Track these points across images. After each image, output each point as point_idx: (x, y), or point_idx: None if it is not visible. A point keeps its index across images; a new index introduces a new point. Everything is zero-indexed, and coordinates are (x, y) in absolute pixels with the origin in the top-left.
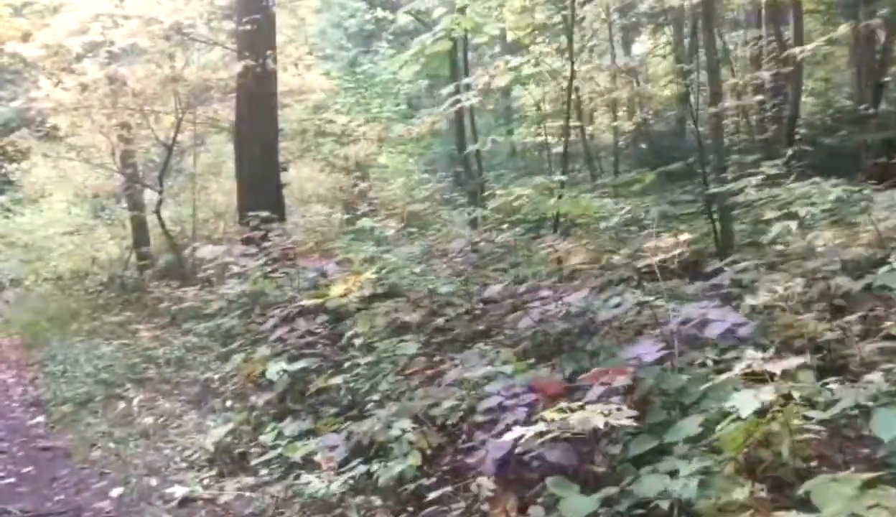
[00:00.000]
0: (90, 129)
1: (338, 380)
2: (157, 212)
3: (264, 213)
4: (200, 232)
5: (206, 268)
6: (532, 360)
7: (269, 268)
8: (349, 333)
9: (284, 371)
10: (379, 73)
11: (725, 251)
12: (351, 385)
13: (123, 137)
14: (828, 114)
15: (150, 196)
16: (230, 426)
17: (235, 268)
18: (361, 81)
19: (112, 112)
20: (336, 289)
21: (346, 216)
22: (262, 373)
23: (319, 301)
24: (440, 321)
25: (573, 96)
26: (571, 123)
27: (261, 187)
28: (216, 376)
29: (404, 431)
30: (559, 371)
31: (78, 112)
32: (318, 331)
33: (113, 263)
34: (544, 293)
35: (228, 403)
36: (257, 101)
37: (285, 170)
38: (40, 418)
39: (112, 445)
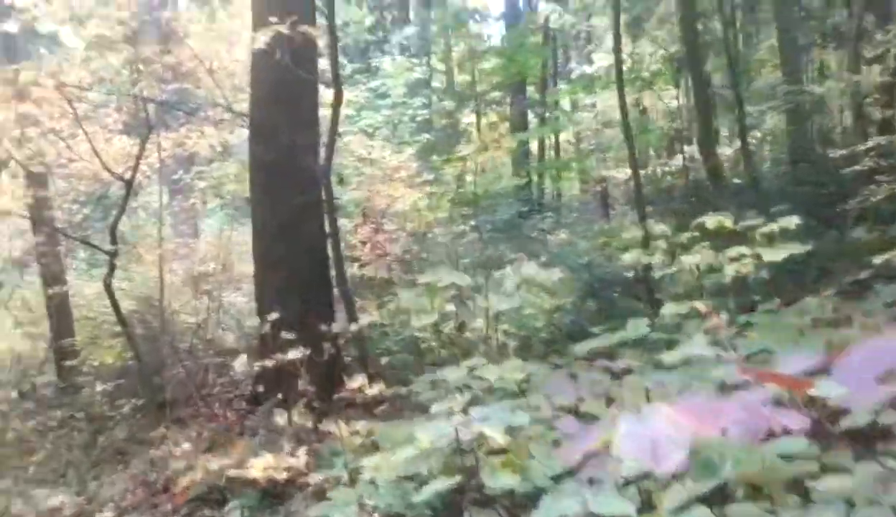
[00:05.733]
0: None
1: None
2: (107, 283)
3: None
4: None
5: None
6: None
7: None
8: None
9: None
10: (387, 92)
11: None
12: None
13: (38, 177)
14: None
15: (69, 263)
16: None
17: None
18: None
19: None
20: None
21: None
22: None
23: None
24: None
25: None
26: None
27: (303, 245)
28: None
29: None
30: None
31: None
32: None
33: (18, 364)
34: None
35: None
36: (294, 90)
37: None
38: None
39: None
